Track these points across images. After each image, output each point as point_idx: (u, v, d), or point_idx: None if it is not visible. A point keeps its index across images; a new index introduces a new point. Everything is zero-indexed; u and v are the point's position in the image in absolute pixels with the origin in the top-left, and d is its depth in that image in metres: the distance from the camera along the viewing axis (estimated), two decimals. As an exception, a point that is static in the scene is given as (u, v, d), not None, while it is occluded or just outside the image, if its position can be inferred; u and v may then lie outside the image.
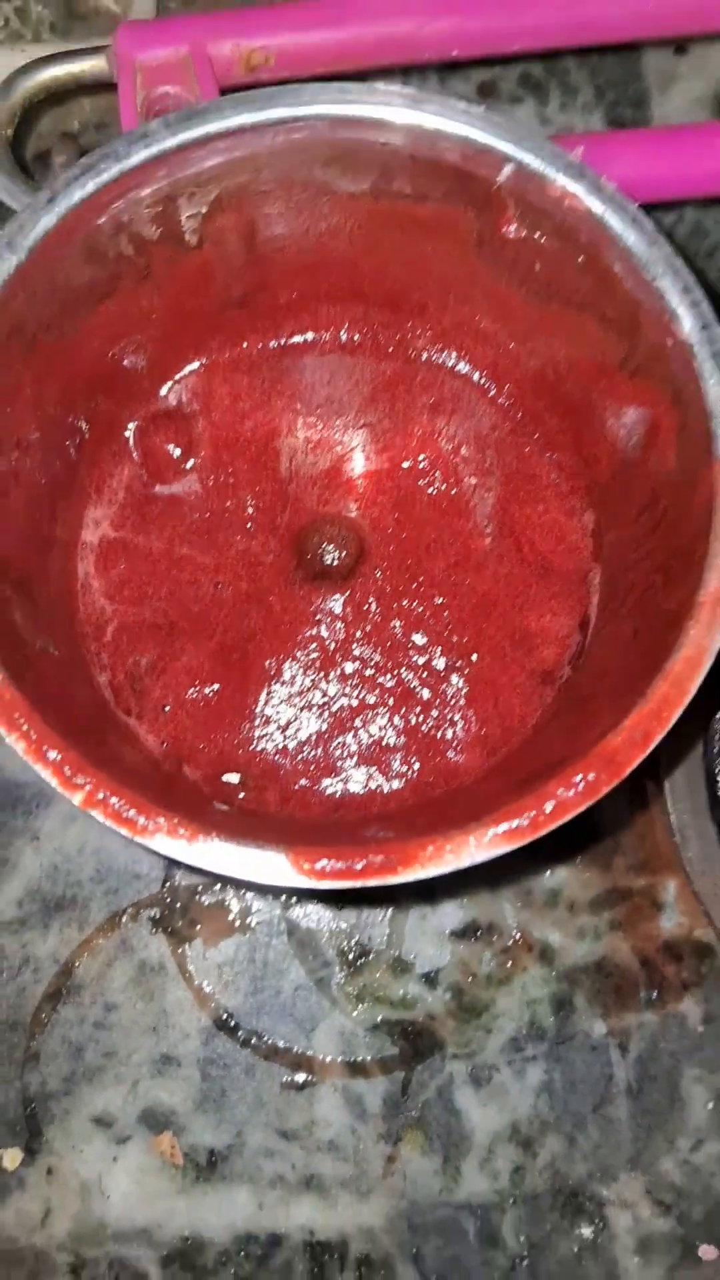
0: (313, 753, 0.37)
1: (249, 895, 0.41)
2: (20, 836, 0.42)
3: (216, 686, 0.37)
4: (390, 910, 0.41)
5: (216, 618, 0.38)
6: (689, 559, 0.29)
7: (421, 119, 0.31)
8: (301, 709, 0.37)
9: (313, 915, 0.41)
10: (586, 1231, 0.40)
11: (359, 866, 0.27)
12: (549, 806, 0.27)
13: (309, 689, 0.37)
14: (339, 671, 0.38)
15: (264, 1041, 0.40)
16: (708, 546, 0.29)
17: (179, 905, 0.41)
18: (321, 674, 0.38)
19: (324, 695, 0.37)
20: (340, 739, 0.37)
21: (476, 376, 0.39)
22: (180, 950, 0.41)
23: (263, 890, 0.41)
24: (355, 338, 0.40)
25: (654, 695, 0.28)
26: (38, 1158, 0.40)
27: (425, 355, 0.40)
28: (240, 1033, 0.41)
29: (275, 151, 0.33)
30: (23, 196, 0.39)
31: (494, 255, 0.35)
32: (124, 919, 0.41)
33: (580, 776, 0.27)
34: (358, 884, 0.27)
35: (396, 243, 0.36)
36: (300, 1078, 0.40)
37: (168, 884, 0.42)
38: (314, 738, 0.37)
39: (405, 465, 0.39)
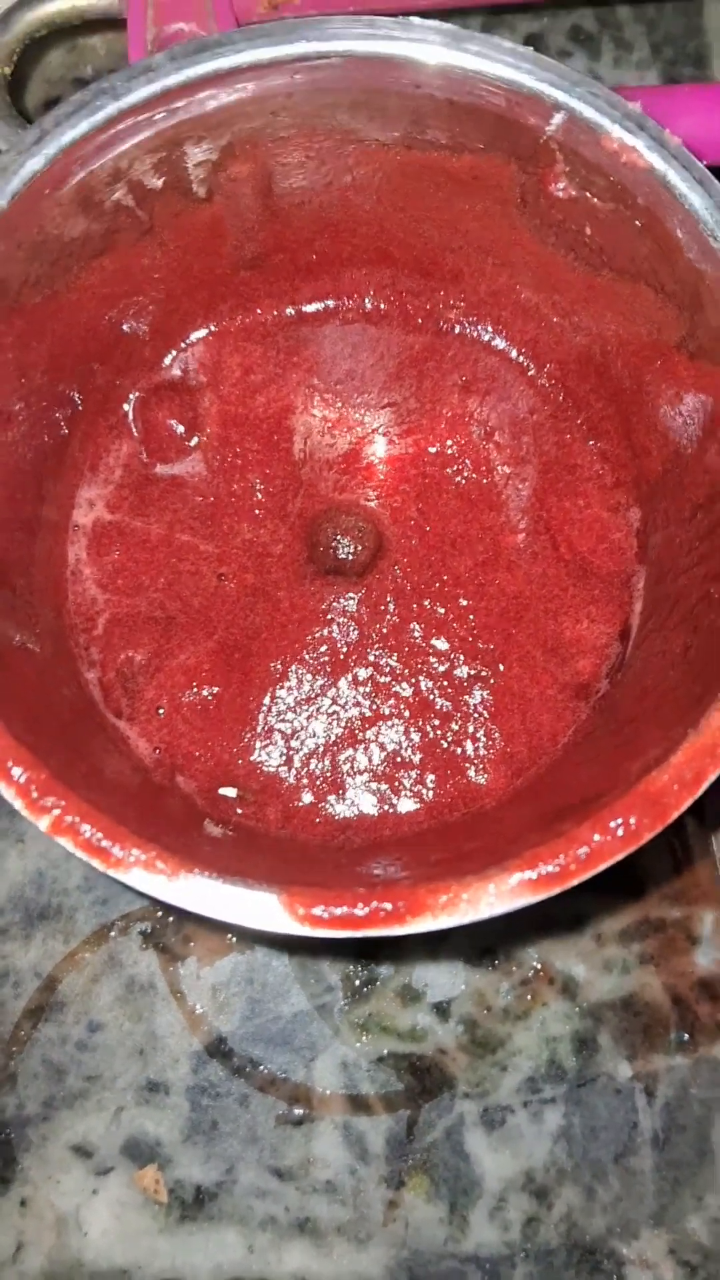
0: (319, 766, 0.35)
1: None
2: (3, 839, 0.40)
3: (216, 689, 0.36)
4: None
5: (219, 613, 0.36)
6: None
7: (462, 59, 0.30)
8: (308, 717, 0.36)
9: (316, 936, 0.40)
10: (603, 1293, 0.38)
11: (362, 914, 0.25)
12: (582, 853, 0.25)
13: (317, 695, 0.36)
14: (351, 677, 0.36)
15: (259, 1071, 0.39)
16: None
17: (172, 919, 0.40)
18: (331, 679, 0.36)
19: (333, 703, 0.36)
20: (350, 752, 0.35)
21: (514, 353, 0.38)
22: (172, 968, 0.39)
23: (252, 934, 0.40)
24: (381, 306, 0.38)
25: (708, 726, 0.26)
26: (11, 1187, 0.38)
27: (458, 328, 0.38)
28: (234, 1060, 0.39)
29: (295, 92, 0.31)
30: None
31: (539, 216, 0.33)
32: (113, 932, 0.39)
33: (619, 820, 0.25)
34: (360, 934, 0.25)
35: (429, 200, 0.34)
36: (297, 1112, 0.38)
37: (161, 897, 0.40)
38: (321, 750, 0.35)
39: (432, 450, 0.38)
